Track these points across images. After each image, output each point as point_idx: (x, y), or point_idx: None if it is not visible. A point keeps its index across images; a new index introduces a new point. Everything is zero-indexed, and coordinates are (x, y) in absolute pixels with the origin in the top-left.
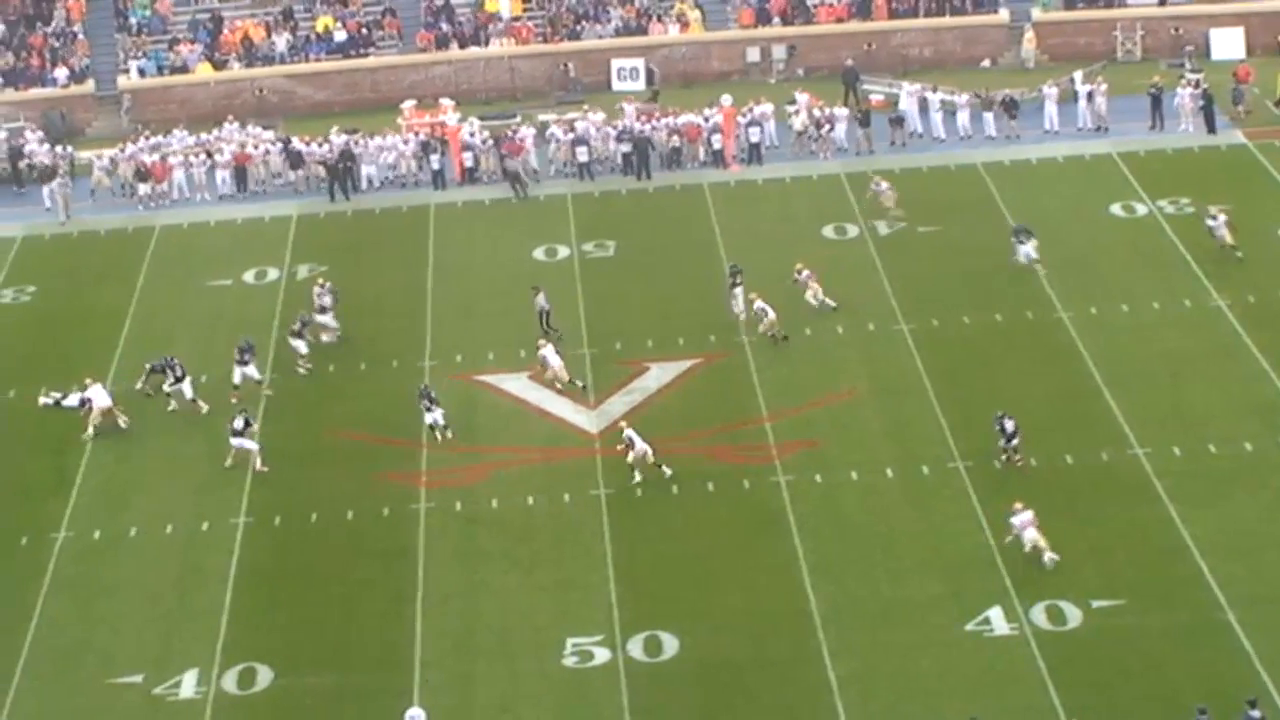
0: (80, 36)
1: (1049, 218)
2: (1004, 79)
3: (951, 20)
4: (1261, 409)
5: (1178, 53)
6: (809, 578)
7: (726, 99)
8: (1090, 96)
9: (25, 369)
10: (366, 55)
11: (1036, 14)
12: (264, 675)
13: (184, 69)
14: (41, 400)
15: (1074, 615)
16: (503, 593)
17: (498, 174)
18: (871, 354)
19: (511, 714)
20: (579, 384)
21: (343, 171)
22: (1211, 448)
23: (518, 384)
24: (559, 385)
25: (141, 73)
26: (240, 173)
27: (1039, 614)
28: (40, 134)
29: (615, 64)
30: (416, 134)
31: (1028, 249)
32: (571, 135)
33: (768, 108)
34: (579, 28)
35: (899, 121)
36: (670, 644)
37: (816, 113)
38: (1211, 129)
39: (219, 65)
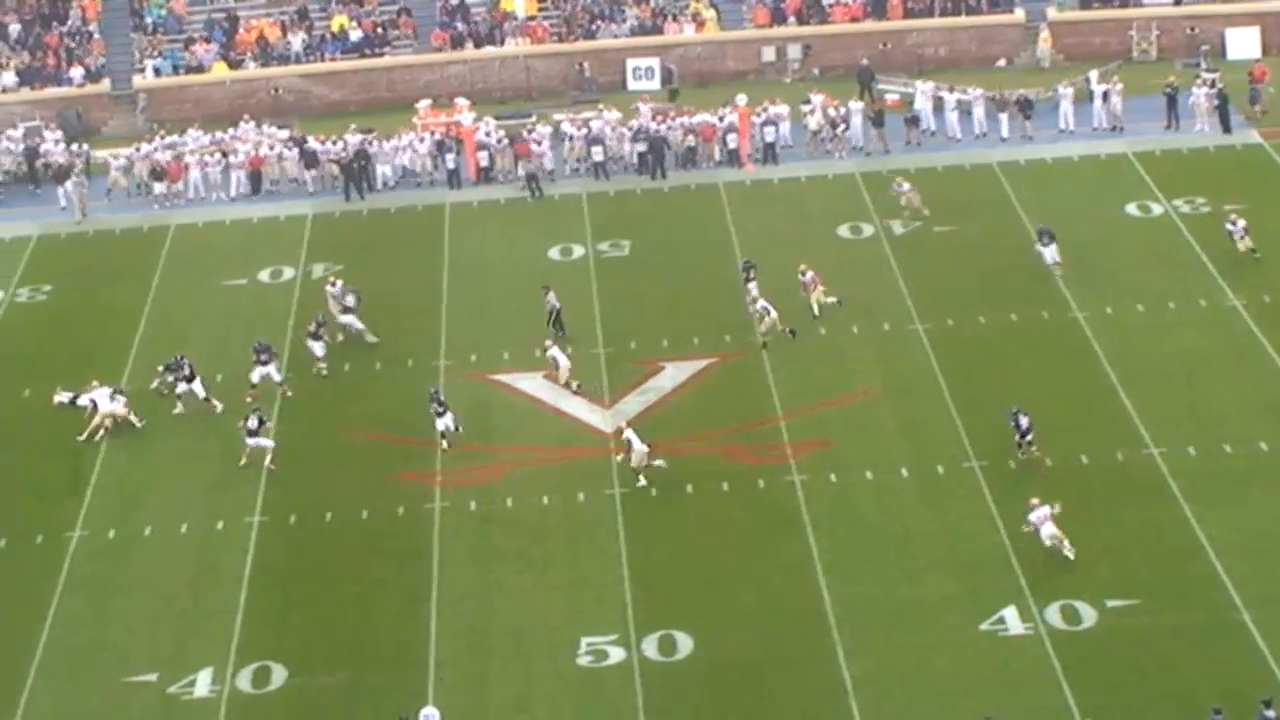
0: (96, 36)
1: (1064, 217)
2: (1019, 79)
3: (967, 20)
4: (1277, 409)
5: (1193, 52)
6: (823, 577)
7: (741, 98)
8: (1106, 96)
9: (40, 368)
10: (382, 55)
11: (1052, 13)
12: (278, 674)
13: (199, 68)
14: (56, 399)
15: (1089, 615)
16: (517, 592)
17: (513, 173)
18: (887, 354)
19: (526, 713)
20: (574, 385)
21: (358, 171)
22: (1227, 448)
23: (533, 383)
24: (575, 385)
25: (157, 72)
26: (255, 173)
27: (1054, 614)
28: (59, 133)
29: (630, 63)
30: (432, 133)
31: (1050, 251)
32: (586, 133)
33: (783, 108)
34: (594, 27)
35: (914, 121)
36: (685, 643)
37: (831, 112)
38: (1227, 129)
39: (234, 65)
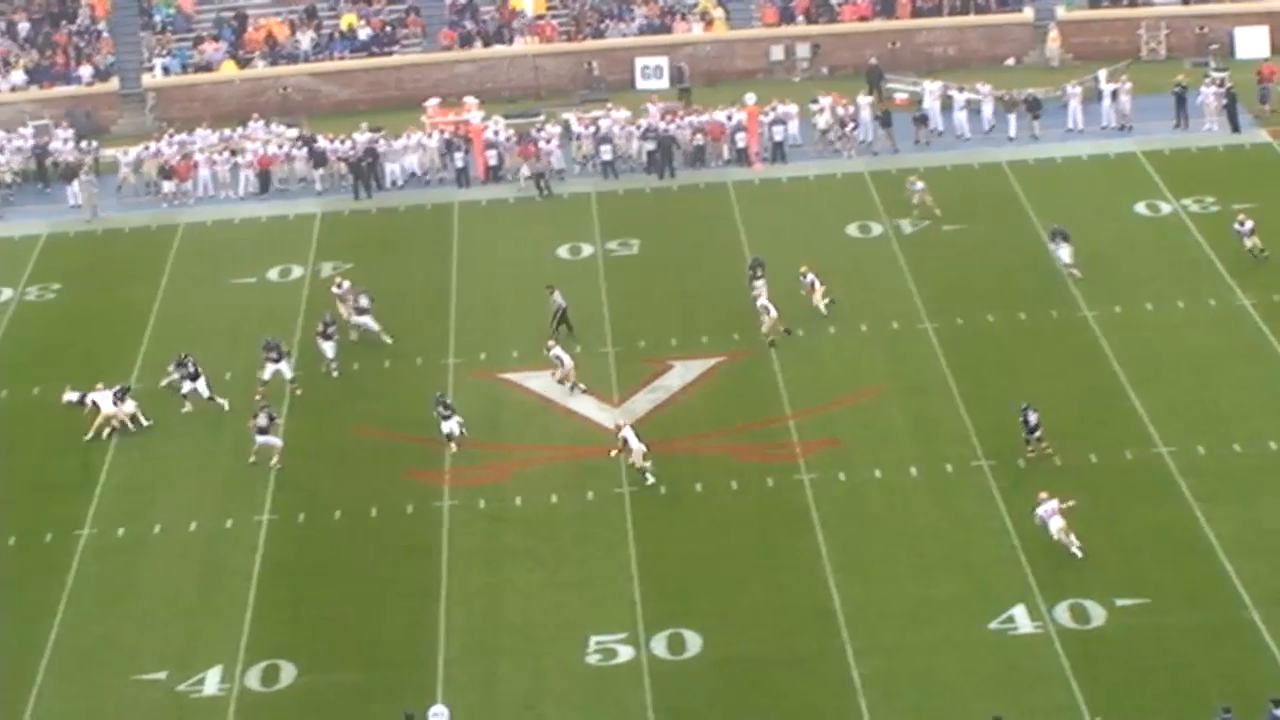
0: (105, 34)
1: (1074, 216)
2: (1028, 78)
3: (976, 19)
4: None
5: (1202, 51)
6: (832, 576)
7: (750, 97)
8: (1114, 95)
9: (49, 366)
10: (390, 53)
11: (1061, 12)
12: (288, 672)
13: (208, 67)
14: (64, 398)
15: (1098, 614)
16: (526, 590)
17: (517, 174)
18: (895, 352)
19: (535, 712)
20: (572, 386)
21: (366, 169)
22: (1236, 447)
23: (541, 382)
24: (582, 385)
25: (166, 71)
26: (264, 172)
27: (1063, 612)
28: (70, 131)
29: (639, 62)
30: (441, 132)
31: (1065, 252)
32: (595, 132)
33: (791, 107)
34: (603, 26)
35: (923, 120)
36: (694, 642)
37: (840, 111)
38: (1235, 128)
39: (243, 63)
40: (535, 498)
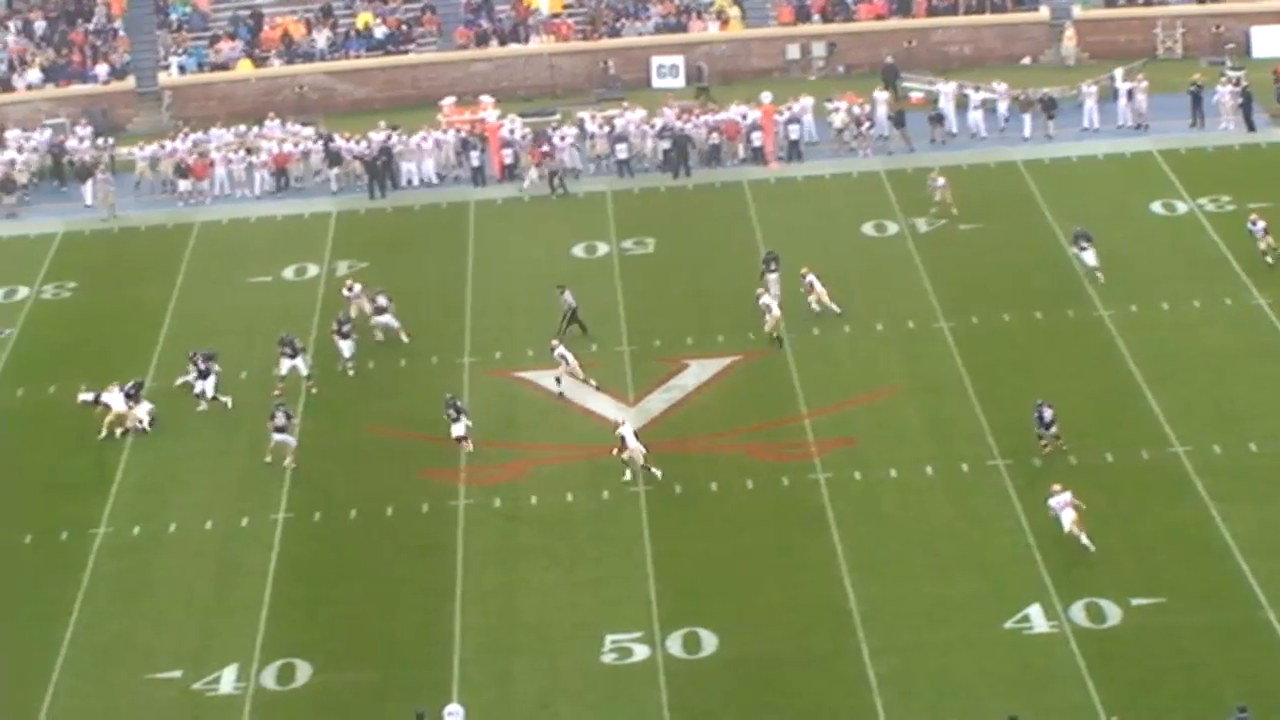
0: (121, 33)
1: (1089, 216)
2: (1044, 76)
3: (992, 18)
4: None
5: (1218, 50)
6: (848, 575)
7: (766, 96)
8: (1130, 94)
9: (65, 365)
10: (406, 52)
11: (1077, 11)
12: (303, 671)
13: (224, 66)
14: (79, 398)
15: (1114, 613)
16: (541, 589)
17: (527, 175)
18: (911, 351)
19: (550, 710)
20: (561, 390)
21: (382, 168)
22: (1252, 446)
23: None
24: (593, 381)
25: (182, 69)
26: (280, 170)
27: (1078, 612)
28: (88, 129)
29: (655, 61)
30: (457, 130)
31: (1089, 255)
32: (610, 131)
33: (807, 104)
34: (618, 25)
35: (938, 119)
36: (709, 641)
37: (856, 109)
38: (1251, 126)
39: (259, 62)
40: (550, 497)
